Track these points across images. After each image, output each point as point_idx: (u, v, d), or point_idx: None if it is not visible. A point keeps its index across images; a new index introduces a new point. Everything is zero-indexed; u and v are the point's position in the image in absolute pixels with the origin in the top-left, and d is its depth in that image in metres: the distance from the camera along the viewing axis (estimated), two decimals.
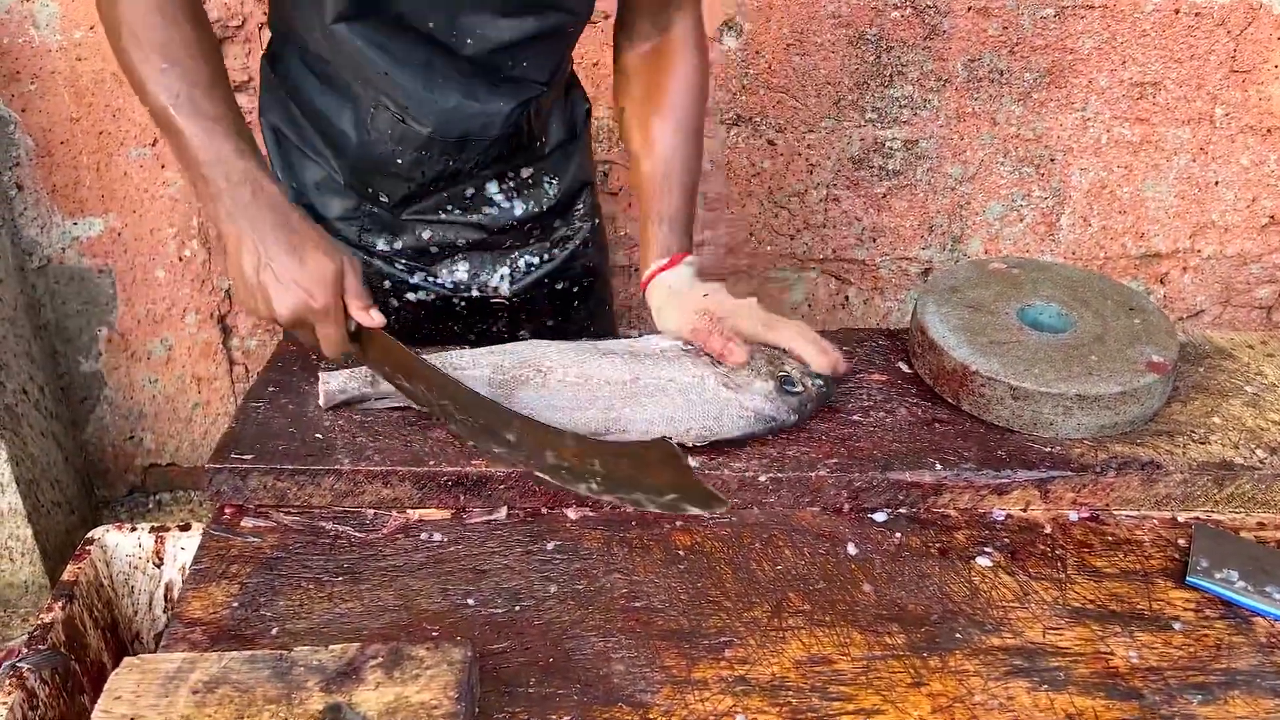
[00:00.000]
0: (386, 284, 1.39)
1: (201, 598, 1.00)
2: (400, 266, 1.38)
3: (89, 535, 1.22)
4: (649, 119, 1.31)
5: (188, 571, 1.04)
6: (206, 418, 2.52)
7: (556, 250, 1.45)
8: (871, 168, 2.31)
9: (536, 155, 1.39)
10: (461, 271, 1.40)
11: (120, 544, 1.22)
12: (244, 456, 1.11)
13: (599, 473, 1.05)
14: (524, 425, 1.09)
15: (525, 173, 1.38)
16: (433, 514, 1.11)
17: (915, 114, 2.26)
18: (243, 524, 1.09)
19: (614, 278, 1.65)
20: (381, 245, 1.37)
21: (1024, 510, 1.12)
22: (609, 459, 1.06)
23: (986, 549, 1.07)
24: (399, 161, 1.28)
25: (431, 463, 1.10)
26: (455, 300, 1.42)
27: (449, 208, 1.36)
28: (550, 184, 1.41)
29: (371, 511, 1.11)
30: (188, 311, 2.37)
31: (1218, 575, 1.03)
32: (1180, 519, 1.13)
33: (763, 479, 1.10)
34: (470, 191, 1.35)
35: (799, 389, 1.15)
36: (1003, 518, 1.12)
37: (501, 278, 1.42)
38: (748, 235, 2.36)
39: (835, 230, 2.39)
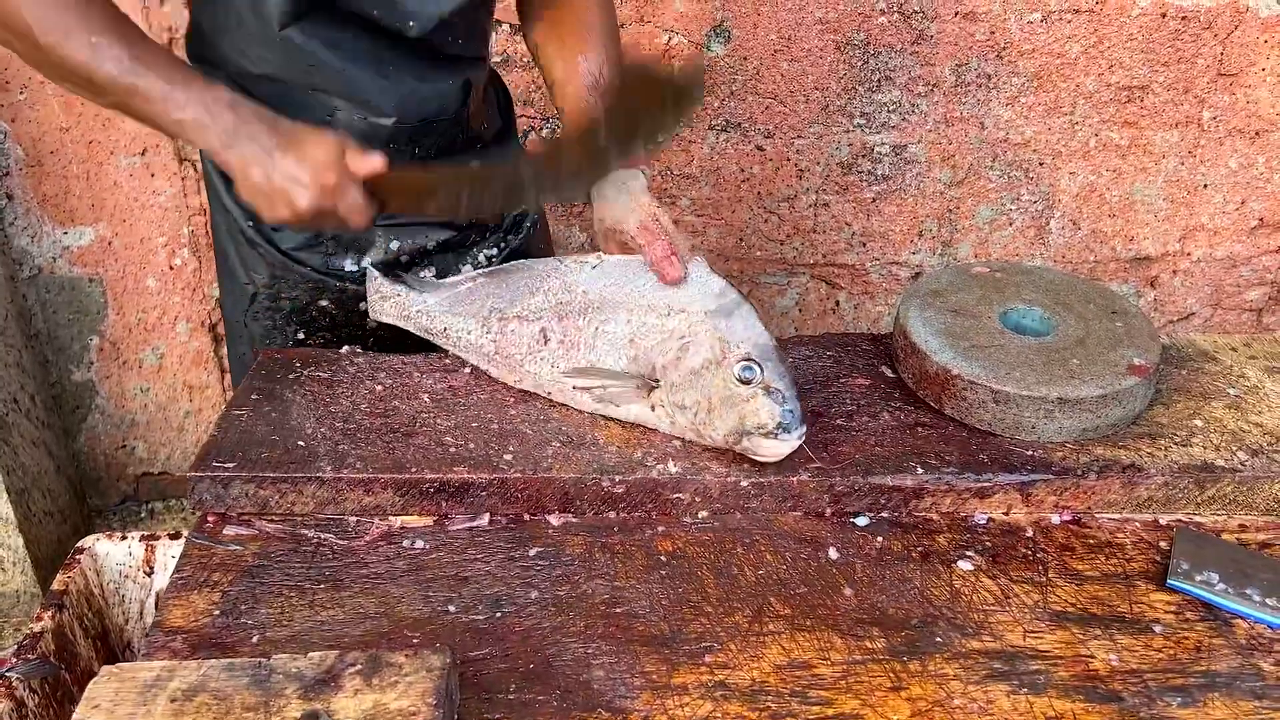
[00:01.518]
0: (362, 305, 1.37)
1: (183, 606, 1.00)
2: None
3: (79, 544, 1.22)
4: (571, 49, 1.32)
5: (170, 580, 1.04)
6: (198, 426, 2.52)
7: (510, 236, 1.48)
8: (860, 172, 2.32)
9: (480, 147, 1.42)
10: (429, 274, 1.39)
11: (111, 553, 1.22)
12: (226, 465, 1.11)
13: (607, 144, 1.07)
14: (530, 165, 1.15)
15: (474, 164, 1.38)
16: (415, 521, 1.11)
17: (904, 119, 2.26)
18: (225, 532, 1.09)
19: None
20: (350, 266, 1.37)
21: (1005, 514, 1.13)
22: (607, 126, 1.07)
23: (968, 552, 1.07)
24: None
25: (413, 470, 1.10)
26: None
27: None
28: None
29: (354, 519, 1.11)
30: (179, 320, 2.37)
31: (1199, 578, 1.03)
32: (1162, 521, 1.13)
33: (744, 484, 1.10)
34: None
35: (753, 374, 1.11)
36: (984, 521, 1.12)
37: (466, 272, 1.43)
38: (737, 240, 2.37)
39: (825, 235, 2.39)
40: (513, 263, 1.33)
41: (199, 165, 2.19)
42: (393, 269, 1.36)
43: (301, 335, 1.41)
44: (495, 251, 1.45)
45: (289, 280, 1.37)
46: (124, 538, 1.22)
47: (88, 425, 2.48)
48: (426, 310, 1.29)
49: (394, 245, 1.37)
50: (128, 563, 1.23)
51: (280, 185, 1.11)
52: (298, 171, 1.11)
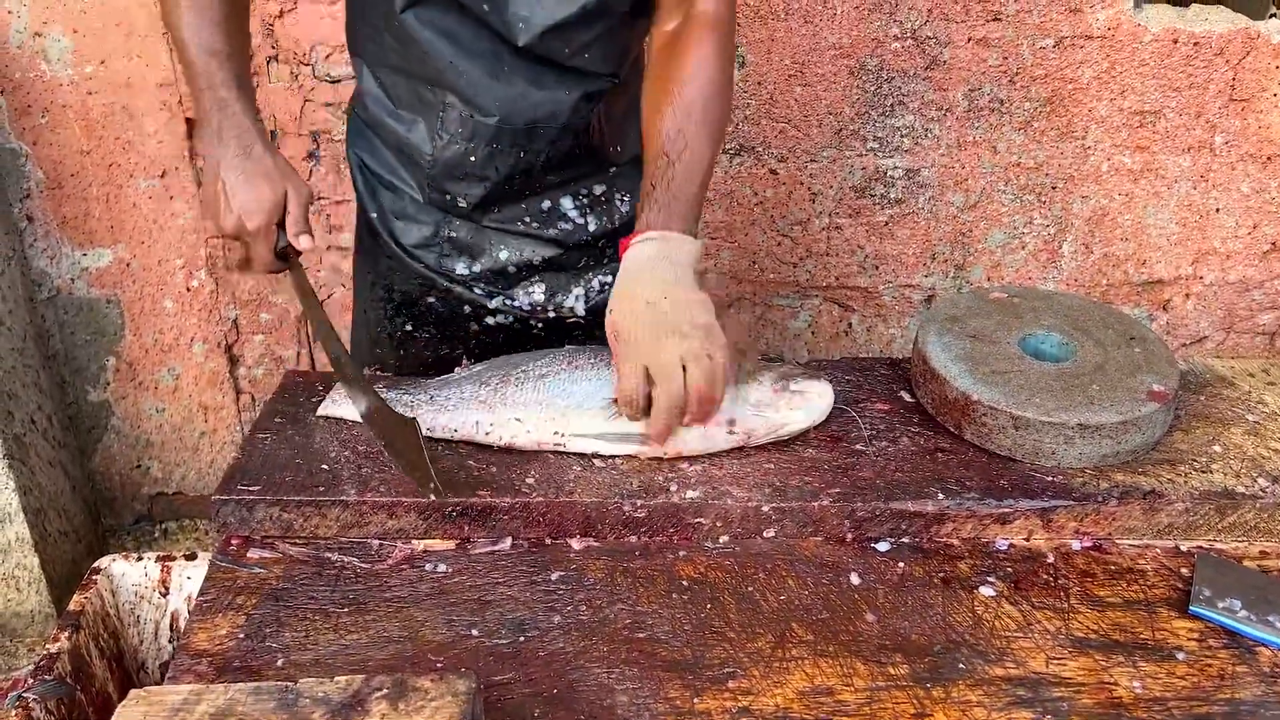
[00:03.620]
0: (466, 309, 1.43)
1: (207, 629, 1.01)
2: (479, 291, 1.42)
3: (95, 565, 1.22)
4: (660, 102, 1.27)
5: (194, 603, 1.05)
6: (213, 446, 2.53)
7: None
8: (873, 196, 2.33)
9: (608, 172, 1.42)
10: (538, 293, 1.42)
11: (126, 573, 1.22)
12: (250, 488, 1.12)
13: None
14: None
15: (598, 190, 1.42)
16: (437, 544, 1.11)
17: (916, 143, 2.27)
18: (249, 555, 1.10)
19: None
20: (460, 269, 1.41)
21: (1026, 539, 1.13)
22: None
23: (989, 578, 1.08)
24: (472, 159, 1.33)
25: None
26: (533, 322, 1.45)
27: (526, 219, 1.39)
28: (623, 201, 1.43)
29: (377, 542, 1.11)
30: (195, 341, 2.39)
31: (1221, 605, 1.03)
32: (1183, 548, 1.13)
33: (766, 509, 1.11)
34: (546, 205, 1.39)
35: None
36: (1005, 547, 1.12)
37: (576, 298, 1.44)
38: (750, 263, 2.38)
39: (838, 258, 2.40)
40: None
41: None
42: (499, 280, 1.42)
43: (409, 327, 1.47)
44: (610, 280, 1.41)
45: (402, 273, 1.43)
46: (140, 558, 1.22)
47: (103, 445, 2.49)
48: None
49: (502, 255, 1.40)
50: (143, 583, 1.23)
51: (219, 198, 1.20)
52: (240, 197, 1.19)
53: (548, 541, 1.11)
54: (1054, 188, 2.33)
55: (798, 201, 2.33)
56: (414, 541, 1.11)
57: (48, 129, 2.14)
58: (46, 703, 1.08)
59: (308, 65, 2.11)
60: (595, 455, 1.17)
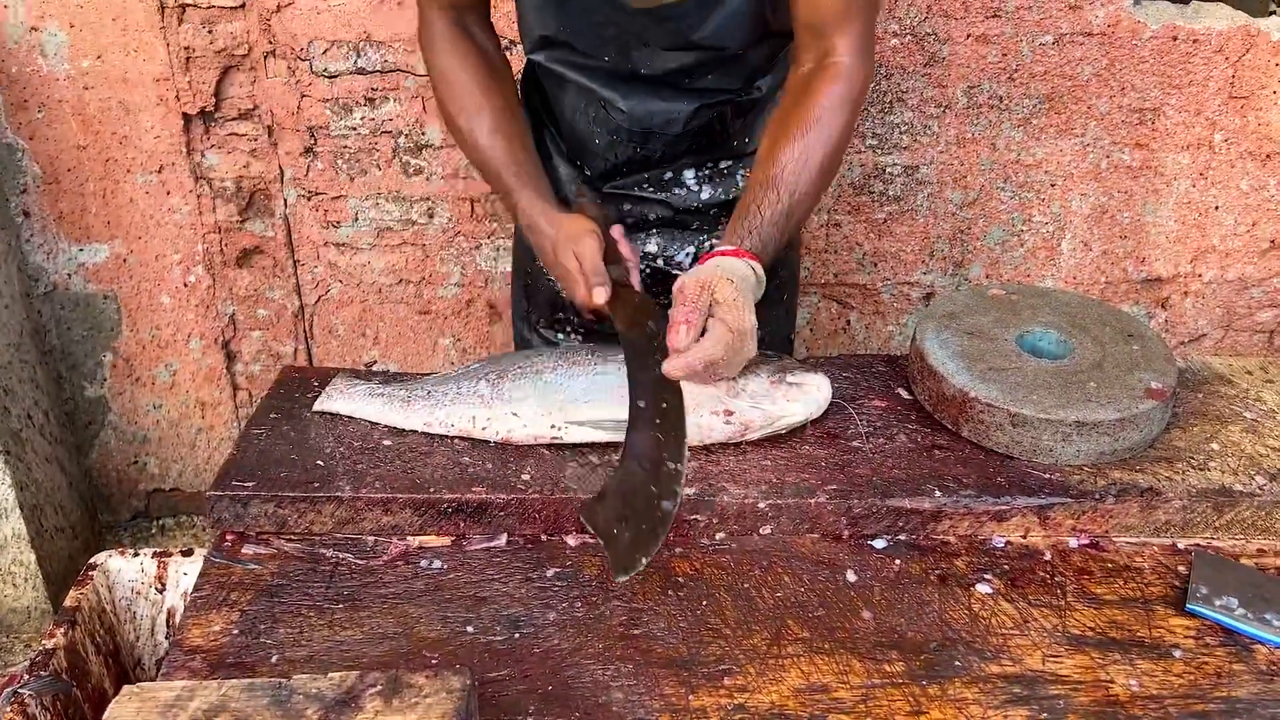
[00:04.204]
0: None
1: (201, 625, 1.01)
2: None
3: (92, 560, 1.21)
4: (780, 138, 1.28)
5: (189, 599, 1.05)
6: (210, 443, 2.52)
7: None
8: (872, 193, 2.32)
9: (737, 152, 1.45)
10: (653, 244, 1.47)
11: (123, 569, 1.22)
12: (245, 484, 1.11)
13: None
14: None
15: (724, 164, 1.46)
16: (433, 541, 1.11)
17: (915, 140, 2.27)
18: (243, 551, 1.10)
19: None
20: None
21: (1023, 537, 1.12)
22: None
23: (986, 576, 1.07)
24: (596, 142, 1.42)
25: (432, 490, 1.11)
26: (643, 267, 1.46)
27: (645, 185, 1.45)
28: (744, 177, 1.45)
29: (372, 538, 1.11)
30: (192, 337, 2.38)
31: (1218, 602, 1.03)
32: (1180, 546, 1.12)
33: (762, 505, 1.10)
34: (668, 175, 1.44)
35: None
36: (1002, 544, 1.12)
37: (687, 255, 1.48)
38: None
39: (836, 255, 2.39)
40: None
41: (212, 184, 2.21)
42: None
43: (558, 317, 1.55)
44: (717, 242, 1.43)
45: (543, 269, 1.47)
46: (136, 554, 1.22)
47: (100, 441, 2.48)
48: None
49: (625, 207, 1.46)
50: (140, 579, 1.23)
51: (564, 272, 1.28)
52: (551, 242, 1.29)
53: (544, 538, 1.11)
54: (1053, 185, 2.33)
55: None
56: (409, 538, 1.11)
57: (44, 124, 2.13)
58: (42, 699, 1.08)
59: (305, 60, 2.10)
60: (591, 449, 1.17)
